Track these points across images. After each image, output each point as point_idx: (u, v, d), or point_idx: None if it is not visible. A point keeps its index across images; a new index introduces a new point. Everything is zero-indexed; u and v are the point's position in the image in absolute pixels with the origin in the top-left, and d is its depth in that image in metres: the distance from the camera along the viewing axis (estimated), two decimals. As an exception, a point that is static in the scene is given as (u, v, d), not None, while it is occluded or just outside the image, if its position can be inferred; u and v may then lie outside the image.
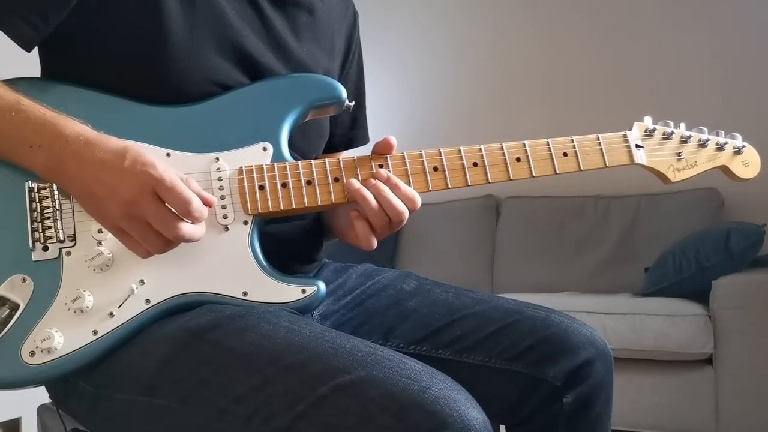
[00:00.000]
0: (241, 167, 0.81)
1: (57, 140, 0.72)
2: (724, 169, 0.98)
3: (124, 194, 0.69)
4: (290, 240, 0.91)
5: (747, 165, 0.98)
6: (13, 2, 0.77)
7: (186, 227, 0.71)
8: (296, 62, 0.90)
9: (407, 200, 0.82)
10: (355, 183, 0.81)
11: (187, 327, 0.73)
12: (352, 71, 1.05)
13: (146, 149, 0.74)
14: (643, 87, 3.13)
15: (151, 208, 0.70)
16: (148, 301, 0.76)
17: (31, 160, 0.73)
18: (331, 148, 1.04)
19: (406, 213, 0.81)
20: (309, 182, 0.82)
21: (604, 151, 0.91)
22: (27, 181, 0.76)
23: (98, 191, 0.71)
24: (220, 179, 0.80)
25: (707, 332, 2.19)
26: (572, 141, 0.90)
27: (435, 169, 0.85)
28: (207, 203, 0.74)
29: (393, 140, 0.85)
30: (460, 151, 0.86)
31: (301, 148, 0.90)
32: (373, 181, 0.82)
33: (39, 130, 0.72)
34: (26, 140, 0.73)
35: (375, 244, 0.83)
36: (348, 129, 1.07)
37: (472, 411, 0.63)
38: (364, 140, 1.10)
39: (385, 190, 0.81)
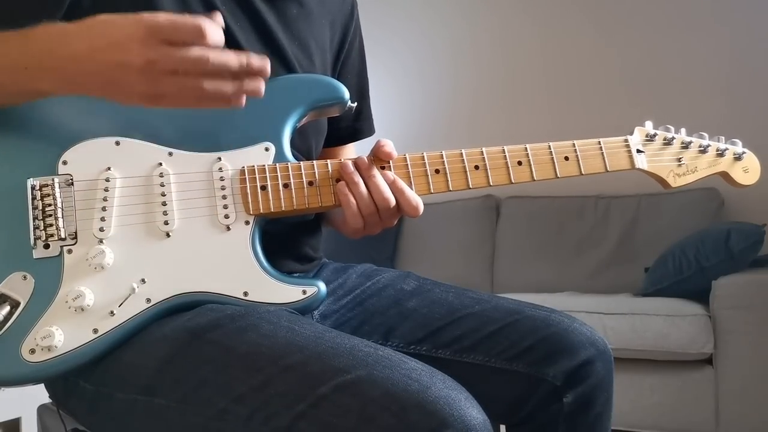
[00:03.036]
0: (243, 167, 0.81)
1: (46, 55, 0.68)
2: (724, 175, 0.98)
3: (135, 62, 0.65)
4: (289, 238, 0.91)
5: (747, 171, 0.98)
6: (6, 11, 0.77)
7: (212, 52, 0.66)
8: (287, 56, 0.90)
9: (410, 208, 0.82)
10: (350, 166, 0.82)
11: (187, 327, 0.73)
12: (351, 62, 1.05)
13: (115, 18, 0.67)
14: (645, 88, 3.13)
15: (168, 56, 0.65)
16: (148, 300, 0.76)
17: (37, 83, 0.70)
18: (339, 140, 1.04)
19: (390, 197, 0.82)
20: (311, 183, 0.82)
21: (605, 155, 0.91)
22: (29, 178, 0.76)
23: (111, 75, 0.67)
24: (222, 179, 0.80)
25: (707, 332, 2.19)
26: (573, 145, 0.90)
27: (437, 171, 0.86)
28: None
29: (390, 149, 0.84)
30: (461, 153, 0.86)
31: (299, 146, 0.90)
32: (369, 172, 0.82)
33: (23, 50, 0.69)
34: (20, 63, 0.69)
35: (360, 223, 0.83)
36: (353, 121, 1.07)
37: (472, 411, 0.63)
38: (370, 131, 1.10)
39: (377, 176, 0.82)
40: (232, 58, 0.67)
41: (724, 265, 2.32)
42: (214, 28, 0.66)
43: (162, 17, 0.65)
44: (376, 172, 0.82)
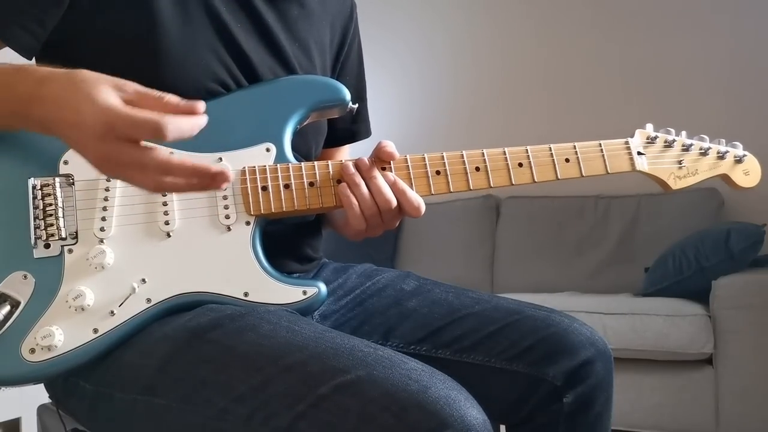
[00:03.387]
0: (244, 167, 0.81)
1: (19, 108, 0.68)
2: (725, 178, 0.99)
3: (92, 152, 0.64)
4: (289, 238, 0.91)
5: (747, 174, 0.99)
6: (9, 13, 0.77)
7: (161, 156, 0.63)
8: (287, 57, 0.90)
9: (412, 209, 0.82)
10: (351, 167, 0.82)
11: (188, 327, 0.73)
12: (350, 64, 1.05)
13: (91, 81, 0.66)
14: (645, 89, 3.13)
15: (120, 155, 0.63)
16: (148, 300, 0.76)
17: (10, 125, 0.71)
18: (335, 142, 1.04)
19: (394, 201, 0.82)
20: (312, 184, 0.82)
21: (605, 157, 0.92)
22: (30, 178, 0.76)
23: (78, 149, 0.66)
24: (222, 179, 0.80)
25: (707, 332, 2.19)
26: (574, 147, 0.90)
27: (437, 172, 0.86)
28: (194, 111, 0.65)
29: (392, 149, 0.85)
30: (462, 155, 0.86)
31: (299, 146, 0.90)
32: (371, 173, 0.82)
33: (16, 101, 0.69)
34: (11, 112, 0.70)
35: (363, 224, 0.83)
36: (350, 123, 1.07)
37: (472, 411, 0.63)
38: (367, 134, 1.10)
39: (378, 177, 0.81)
40: (184, 169, 0.64)
41: (724, 265, 2.32)
42: (176, 124, 0.62)
43: (123, 114, 0.62)
44: (377, 174, 0.82)
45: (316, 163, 0.83)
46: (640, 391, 2.28)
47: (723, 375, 2.18)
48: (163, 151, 0.64)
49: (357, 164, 0.83)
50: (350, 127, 1.07)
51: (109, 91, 0.64)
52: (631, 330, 2.26)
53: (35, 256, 0.75)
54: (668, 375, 2.27)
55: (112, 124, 0.62)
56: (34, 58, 0.84)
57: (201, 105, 0.65)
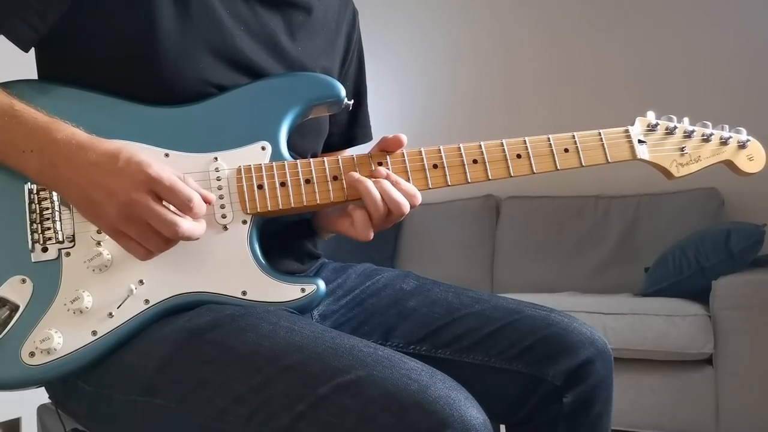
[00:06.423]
0: (240, 167, 0.81)
1: (49, 144, 0.72)
2: (729, 164, 0.96)
3: (120, 195, 0.69)
4: (287, 237, 0.91)
5: (752, 159, 0.95)
6: (11, 3, 0.77)
7: (185, 225, 0.71)
8: (291, 61, 0.90)
9: (408, 196, 0.82)
10: (355, 174, 0.81)
11: (187, 327, 0.73)
12: (351, 69, 1.05)
13: (141, 149, 0.74)
14: (646, 84, 3.12)
15: (149, 208, 0.69)
16: (147, 301, 0.76)
17: (24, 164, 0.74)
18: (331, 146, 1.04)
19: (407, 205, 0.81)
20: (308, 181, 0.82)
21: (605, 146, 0.90)
22: (26, 183, 0.76)
23: (94, 194, 0.70)
24: (218, 179, 0.80)
25: (707, 332, 2.19)
26: (573, 137, 0.89)
27: (434, 166, 0.85)
28: (206, 200, 0.74)
29: (404, 138, 0.84)
30: (459, 148, 0.86)
31: (298, 146, 0.90)
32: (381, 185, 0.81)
33: (31, 134, 0.72)
34: (18, 145, 0.73)
35: (371, 235, 0.82)
36: (346, 127, 1.07)
37: (472, 410, 0.63)
38: (365, 138, 1.09)
39: (385, 182, 0.81)
40: (197, 231, 0.73)
41: (724, 265, 2.31)
42: (201, 206, 0.72)
43: (166, 174, 0.70)
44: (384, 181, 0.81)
45: (311, 160, 0.83)
46: (640, 391, 2.28)
47: (723, 375, 2.18)
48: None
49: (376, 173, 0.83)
50: (347, 132, 1.07)
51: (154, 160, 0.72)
52: (631, 330, 2.26)
53: (33, 260, 0.75)
54: (668, 375, 2.27)
55: (154, 179, 0.69)
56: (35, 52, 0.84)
57: (211, 197, 0.76)
